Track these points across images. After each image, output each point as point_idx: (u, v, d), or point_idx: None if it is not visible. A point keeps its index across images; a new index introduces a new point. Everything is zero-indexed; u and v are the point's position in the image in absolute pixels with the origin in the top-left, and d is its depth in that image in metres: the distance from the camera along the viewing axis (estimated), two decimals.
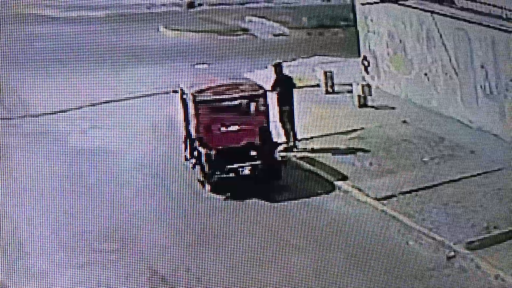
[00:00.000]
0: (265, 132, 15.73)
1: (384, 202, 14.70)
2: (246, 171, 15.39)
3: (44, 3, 32.28)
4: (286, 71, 17.85)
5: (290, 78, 17.59)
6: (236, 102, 15.76)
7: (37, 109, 20.46)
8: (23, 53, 25.63)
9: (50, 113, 20.20)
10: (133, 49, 25.89)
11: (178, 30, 28.27)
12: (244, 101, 15.77)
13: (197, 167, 15.89)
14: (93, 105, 20.63)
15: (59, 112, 20.24)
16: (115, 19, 30.35)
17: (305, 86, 20.79)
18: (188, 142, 16.36)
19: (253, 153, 15.50)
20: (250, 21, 29.04)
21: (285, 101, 17.18)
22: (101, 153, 17.61)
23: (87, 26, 29.09)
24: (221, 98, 15.73)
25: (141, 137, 18.30)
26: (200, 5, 32.03)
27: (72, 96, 21.15)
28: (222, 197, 15.31)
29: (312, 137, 17.74)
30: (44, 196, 15.74)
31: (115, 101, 20.88)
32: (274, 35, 27.51)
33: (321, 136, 17.84)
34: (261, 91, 15.96)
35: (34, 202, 15.51)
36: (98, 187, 16.02)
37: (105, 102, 20.81)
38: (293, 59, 23.45)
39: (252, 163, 15.38)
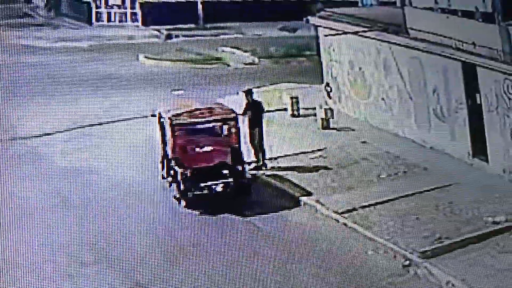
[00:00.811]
0: (236, 152, 15.79)
1: (345, 215, 14.77)
2: (219, 188, 15.41)
3: (33, 35, 32.18)
4: (255, 97, 17.94)
5: (259, 103, 17.69)
6: (210, 125, 15.82)
7: (26, 132, 20.33)
8: (13, 80, 25.47)
9: (38, 136, 20.09)
10: (115, 76, 25.85)
11: (156, 59, 28.28)
12: (217, 124, 15.84)
13: (173, 185, 15.88)
14: (77, 128, 20.55)
15: (45, 135, 20.13)
16: (97, 49, 30.29)
17: (273, 110, 20.88)
18: (165, 162, 16.35)
19: (225, 171, 15.53)
20: (223, 51, 29.15)
21: (255, 124, 17.27)
22: (84, 173, 17.51)
23: (72, 56, 29.01)
24: (195, 121, 15.77)
25: (122, 158, 18.23)
26: (177, 36, 32.11)
27: (58, 120, 21.01)
28: (196, 212, 15.32)
29: (279, 157, 17.82)
30: (32, 213, 15.61)
31: (97, 124, 20.81)
32: (245, 63, 27.62)
33: (288, 155, 17.92)
34: (232, 115, 16.04)
35: (23, 219, 15.37)
36: (82, 204, 15.93)
37: (88, 126, 20.73)
38: (262, 86, 23.56)
39: (224, 180, 15.42)
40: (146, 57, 28.52)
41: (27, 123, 21.00)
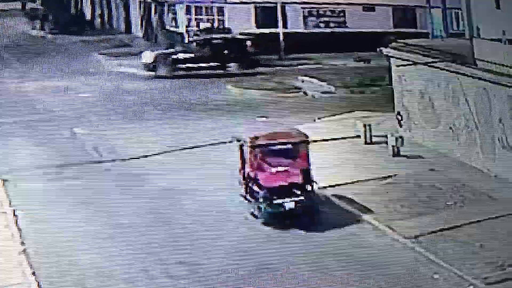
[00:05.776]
0: (307, 173, 15.61)
1: (413, 240, 14.29)
2: (291, 206, 15.24)
3: (130, 63, 32.77)
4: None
5: None
6: (284, 147, 15.75)
7: (125, 154, 20.28)
8: (113, 106, 25.91)
9: (136, 158, 20.11)
10: (204, 102, 26.03)
11: (242, 87, 28.31)
12: (291, 146, 15.76)
13: (251, 202, 15.78)
14: (171, 151, 20.46)
15: (142, 157, 20.11)
16: (188, 76, 30.52)
17: (347, 137, 20.42)
18: (244, 181, 16.22)
19: (297, 191, 15.33)
20: (302, 80, 28.94)
21: None
22: (177, 192, 17.47)
23: (165, 82, 29.38)
24: (272, 143, 15.75)
25: (208, 178, 18.07)
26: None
27: (153, 143, 20.96)
28: (271, 228, 15.17)
29: (352, 182, 17.34)
30: (132, 229, 15.57)
31: (188, 148, 20.75)
32: (322, 92, 27.32)
33: (360, 181, 17.46)
34: (304, 139, 15.90)
35: (123, 235, 15.33)
36: (175, 219, 15.97)
37: (181, 149, 20.66)
38: (338, 114, 23.19)
39: (295, 199, 15.24)
40: (233, 85, 28.61)
41: (126, 146, 21.10)
